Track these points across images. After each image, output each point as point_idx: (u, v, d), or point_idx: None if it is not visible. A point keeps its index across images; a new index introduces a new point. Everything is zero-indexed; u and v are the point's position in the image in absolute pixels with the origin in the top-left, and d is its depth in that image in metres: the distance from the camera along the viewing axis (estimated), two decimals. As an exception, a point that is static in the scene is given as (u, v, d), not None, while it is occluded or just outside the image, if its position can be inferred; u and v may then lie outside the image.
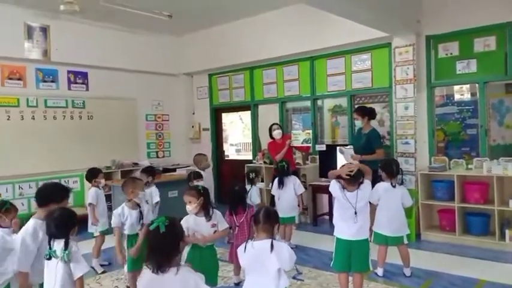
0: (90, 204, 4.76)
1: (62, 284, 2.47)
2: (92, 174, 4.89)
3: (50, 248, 2.51)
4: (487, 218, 5.08)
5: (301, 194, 5.34)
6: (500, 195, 4.92)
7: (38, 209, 2.97)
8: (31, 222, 2.88)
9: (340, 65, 6.64)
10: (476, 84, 5.45)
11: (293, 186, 5.21)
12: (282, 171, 5.27)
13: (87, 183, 7.04)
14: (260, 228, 2.63)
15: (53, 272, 2.49)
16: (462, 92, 5.71)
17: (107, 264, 4.81)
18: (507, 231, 4.84)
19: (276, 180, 5.30)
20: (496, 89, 5.44)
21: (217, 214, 3.39)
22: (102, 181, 4.91)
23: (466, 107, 5.59)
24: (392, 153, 5.90)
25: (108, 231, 4.76)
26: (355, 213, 3.34)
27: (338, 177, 3.41)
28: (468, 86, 5.63)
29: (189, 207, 3.26)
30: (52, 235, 2.53)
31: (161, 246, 2.16)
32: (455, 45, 5.53)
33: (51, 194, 2.99)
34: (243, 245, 2.65)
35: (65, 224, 2.54)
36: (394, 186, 4.14)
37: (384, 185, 4.18)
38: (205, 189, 3.37)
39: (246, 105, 8.05)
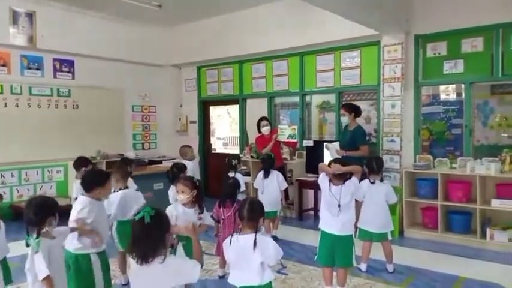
0: (76, 198, 4.60)
1: (30, 271, 2.44)
2: (81, 163, 4.61)
3: (28, 235, 2.45)
4: (469, 217, 5.17)
5: (284, 190, 5.39)
6: (482, 194, 5.01)
7: (86, 193, 3.07)
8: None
9: (330, 61, 6.66)
10: (463, 85, 5.53)
11: (276, 181, 5.25)
12: (270, 160, 5.34)
13: (70, 174, 6.99)
14: (245, 221, 2.61)
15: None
16: (448, 92, 5.79)
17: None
18: (488, 230, 4.94)
19: (262, 172, 5.34)
20: (481, 90, 5.51)
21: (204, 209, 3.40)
22: None
23: (452, 107, 5.66)
24: (378, 150, 5.96)
25: None
26: (339, 206, 3.39)
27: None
28: (454, 86, 5.70)
29: (181, 197, 3.23)
30: (29, 222, 2.47)
31: (146, 237, 2.12)
32: (444, 45, 5.59)
33: (96, 179, 3.08)
34: (228, 238, 2.64)
35: (44, 211, 2.49)
36: (372, 183, 4.18)
37: (367, 182, 4.22)
38: (200, 183, 3.34)
39: (234, 99, 8.02)
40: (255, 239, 2.52)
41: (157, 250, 2.12)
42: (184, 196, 3.22)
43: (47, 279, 2.39)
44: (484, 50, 5.30)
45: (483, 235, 4.98)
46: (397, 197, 4.36)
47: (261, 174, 5.35)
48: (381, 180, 4.23)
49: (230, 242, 2.60)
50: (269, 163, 5.35)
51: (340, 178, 3.44)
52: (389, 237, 4.20)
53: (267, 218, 5.17)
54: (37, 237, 2.42)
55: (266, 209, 4.96)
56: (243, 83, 7.81)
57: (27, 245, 2.45)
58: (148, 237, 2.12)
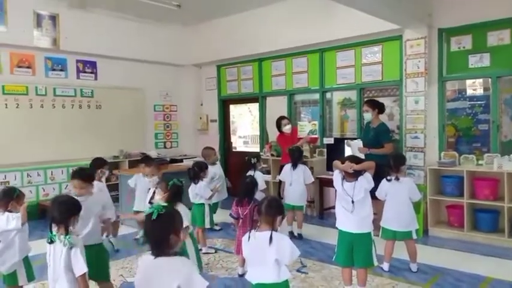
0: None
1: (67, 269, 2.45)
2: (97, 164, 4.55)
3: (51, 232, 2.49)
4: (496, 215, 5.01)
5: (309, 184, 5.38)
6: (510, 191, 4.83)
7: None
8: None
9: (350, 57, 6.55)
10: (489, 79, 5.35)
11: (303, 175, 5.26)
12: (298, 153, 5.37)
13: (94, 172, 7.13)
14: (263, 219, 2.62)
15: (58, 255, 2.47)
16: (474, 87, 5.61)
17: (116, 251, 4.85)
18: (516, 229, 4.78)
19: (289, 164, 5.34)
20: (509, 84, 5.31)
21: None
22: (107, 173, 4.69)
23: (478, 102, 5.48)
24: (401, 147, 5.83)
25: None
26: (352, 202, 3.34)
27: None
28: (481, 80, 5.52)
29: (156, 197, 3.44)
30: (53, 219, 2.52)
31: (151, 233, 2.13)
32: (468, 39, 5.42)
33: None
34: (247, 235, 2.67)
35: (67, 210, 2.54)
36: (389, 180, 4.09)
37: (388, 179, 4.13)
38: (178, 187, 3.42)
39: (254, 97, 8.00)
40: (271, 235, 2.52)
41: (161, 247, 2.08)
42: (157, 197, 3.40)
43: (84, 275, 2.45)
44: (511, 42, 5.11)
45: (511, 234, 4.82)
46: (420, 194, 4.24)
47: (288, 166, 5.35)
48: (396, 179, 4.08)
49: (248, 239, 2.63)
50: (298, 155, 5.35)
51: (353, 175, 3.39)
52: (414, 236, 4.09)
53: (292, 210, 5.19)
54: (66, 234, 2.46)
55: (293, 202, 5.14)
56: (263, 80, 7.78)
57: (51, 242, 2.49)
58: (153, 233, 2.11)
